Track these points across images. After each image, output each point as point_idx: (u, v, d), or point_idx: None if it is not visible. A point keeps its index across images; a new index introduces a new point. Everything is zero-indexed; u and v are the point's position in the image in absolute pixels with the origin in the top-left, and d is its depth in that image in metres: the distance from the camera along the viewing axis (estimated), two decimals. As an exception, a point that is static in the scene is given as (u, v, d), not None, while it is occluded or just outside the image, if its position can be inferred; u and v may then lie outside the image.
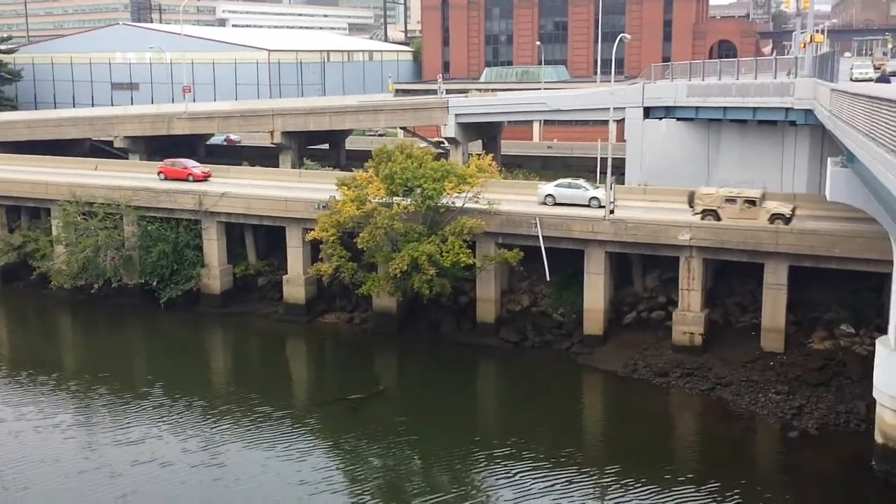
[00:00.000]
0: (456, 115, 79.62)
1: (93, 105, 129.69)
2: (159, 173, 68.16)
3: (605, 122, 64.08)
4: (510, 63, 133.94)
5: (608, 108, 60.04)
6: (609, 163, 53.77)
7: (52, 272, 61.97)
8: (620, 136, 73.71)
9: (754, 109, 60.65)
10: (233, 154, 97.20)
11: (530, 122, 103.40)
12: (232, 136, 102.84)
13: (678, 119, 68.80)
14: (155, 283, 60.37)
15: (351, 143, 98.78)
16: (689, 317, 49.37)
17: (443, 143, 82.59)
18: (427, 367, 52.04)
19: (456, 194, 52.12)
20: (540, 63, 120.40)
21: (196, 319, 59.51)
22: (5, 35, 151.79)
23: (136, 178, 68.03)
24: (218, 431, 42.50)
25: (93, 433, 42.63)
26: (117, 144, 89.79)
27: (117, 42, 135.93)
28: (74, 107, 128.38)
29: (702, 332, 49.13)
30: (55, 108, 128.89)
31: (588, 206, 54.78)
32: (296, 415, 45.14)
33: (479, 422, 46.28)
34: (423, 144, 71.02)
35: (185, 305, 60.06)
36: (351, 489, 37.57)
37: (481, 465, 39.43)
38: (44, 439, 41.79)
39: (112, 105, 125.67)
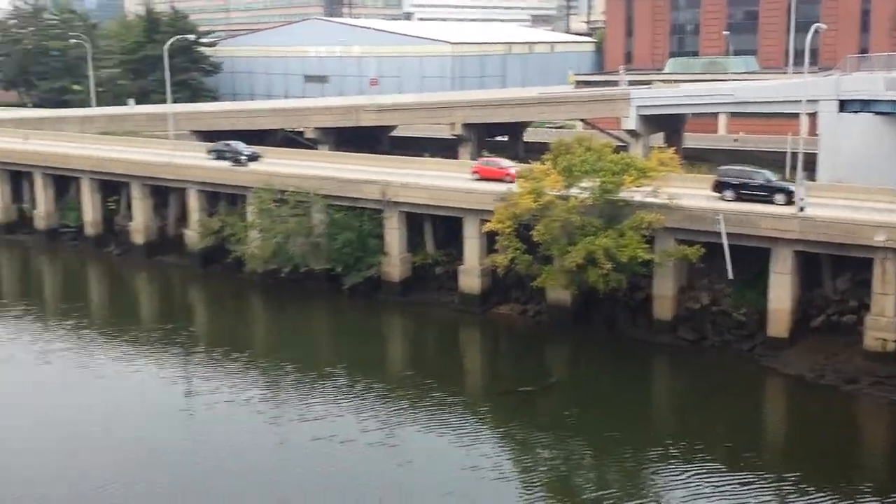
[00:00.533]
0: (637, 107, 78.26)
1: (286, 97, 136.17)
2: (473, 172, 64.50)
3: (796, 116, 61.23)
4: (696, 54, 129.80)
5: (800, 101, 57.26)
6: (800, 158, 51.37)
7: (246, 256, 65.43)
8: (812, 131, 70.11)
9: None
10: (414, 146, 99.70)
11: (715, 114, 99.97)
12: None
13: (876, 113, 64.71)
14: (339, 269, 62.70)
15: (529, 135, 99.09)
16: (883, 322, 46.47)
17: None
18: (601, 362, 51.74)
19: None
20: (727, 53, 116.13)
21: (376, 306, 61.56)
22: (208, 29, 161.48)
23: (324, 167, 71.01)
24: (394, 414, 44.09)
25: (278, 408, 45.21)
26: (308, 135, 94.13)
27: (310, 36, 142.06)
28: (269, 98, 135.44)
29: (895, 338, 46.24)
30: (251, 99, 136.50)
31: None
32: (468, 402, 46.14)
33: (653, 419, 45.56)
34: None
35: (367, 292, 62.16)
36: (519, 478, 38.08)
37: (653, 462, 38.94)
38: (234, 413, 44.68)
39: (304, 97, 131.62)
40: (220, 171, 71.52)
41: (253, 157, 74.25)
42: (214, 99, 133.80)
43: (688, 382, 49.37)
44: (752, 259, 50.78)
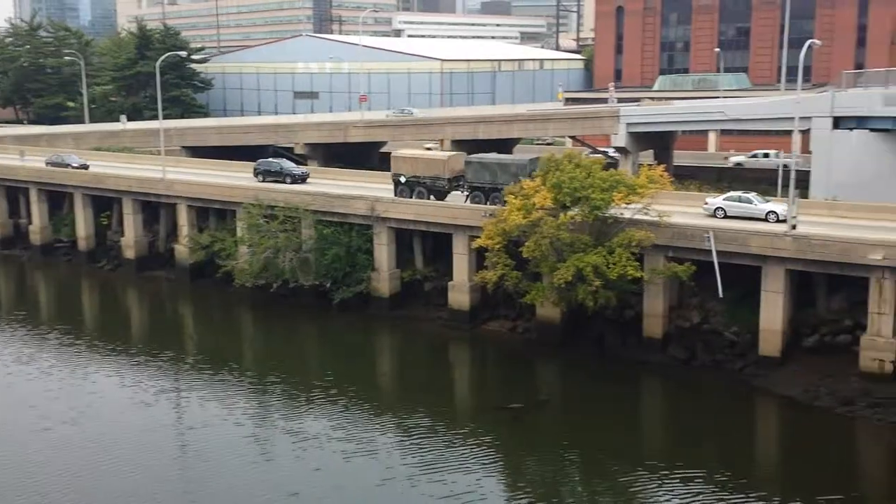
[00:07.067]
0: (627, 124, 78.04)
1: (276, 113, 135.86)
2: None
3: (788, 133, 61.02)
4: (686, 71, 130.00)
5: (792, 118, 56.95)
6: (792, 176, 50.99)
7: (235, 271, 64.88)
8: (805, 148, 69.96)
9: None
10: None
11: (706, 131, 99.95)
12: None
13: (871, 130, 64.48)
14: (329, 284, 62.24)
15: (518, 152, 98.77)
16: (880, 342, 45.90)
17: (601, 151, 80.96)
18: (590, 380, 51.05)
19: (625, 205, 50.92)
20: (718, 70, 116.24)
21: (365, 321, 60.92)
22: (199, 46, 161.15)
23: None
24: (380, 430, 43.41)
25: (261, 422, 44.82)
26: (298, 151, 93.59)
27: (300, 53, 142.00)
28: (259, 114, 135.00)
29: (893, 359, 45.59)
30: (242, 115, 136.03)
31: None
32: (456, 418, 45.57)
33: (643, 439, 44.75)
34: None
35: (356, 307, 61.60)
36: (506, 497, 37.33)
37: (642, 483, 38.14)
38: (216, 424, 44.29)
39: (294, 113, 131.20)
40: (210, 186, 70.86)
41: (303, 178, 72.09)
42: (205, 115, 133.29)
43: (678, 402, 48.68)
44: (743, 277, 50.26)
